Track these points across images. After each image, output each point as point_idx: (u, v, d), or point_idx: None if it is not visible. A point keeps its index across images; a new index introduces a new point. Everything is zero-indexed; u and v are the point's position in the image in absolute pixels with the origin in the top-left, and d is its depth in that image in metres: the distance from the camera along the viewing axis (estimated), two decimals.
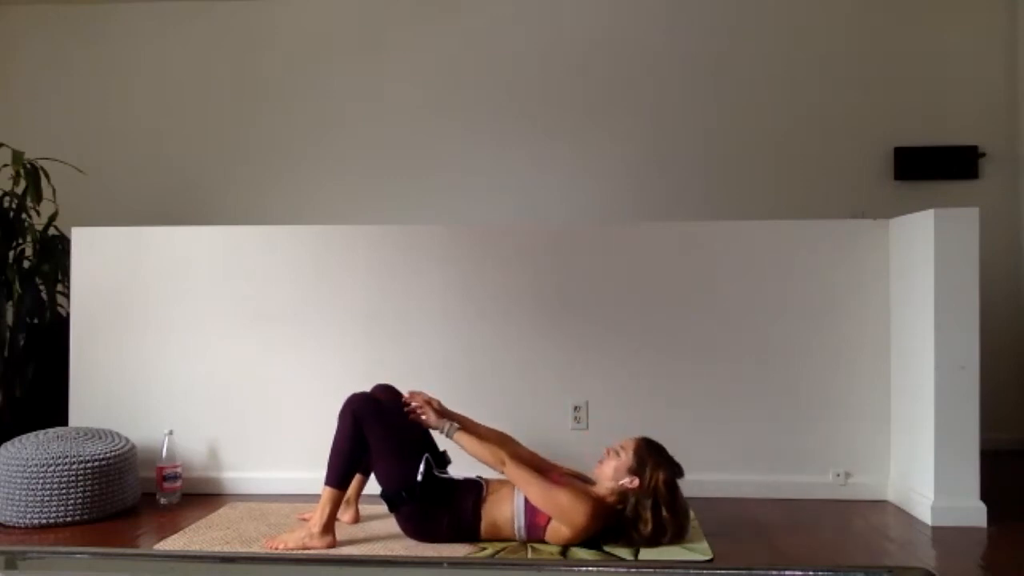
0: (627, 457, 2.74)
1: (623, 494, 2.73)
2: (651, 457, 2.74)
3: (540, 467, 2.87)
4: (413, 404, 2.92)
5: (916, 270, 3.23)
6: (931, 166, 4.66)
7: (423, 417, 2.88)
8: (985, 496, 3.07)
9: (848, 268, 3.52)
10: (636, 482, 2.70)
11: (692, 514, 3.11)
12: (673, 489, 2.73)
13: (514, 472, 2.74)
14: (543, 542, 2.74)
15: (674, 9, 4.86)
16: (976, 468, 3.07)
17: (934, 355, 3.08)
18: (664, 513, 2.69)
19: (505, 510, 2.76)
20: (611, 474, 2.75)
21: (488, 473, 2.87)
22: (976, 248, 3.10)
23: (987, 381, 3.13)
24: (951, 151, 4.65)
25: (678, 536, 2.74)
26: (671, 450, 2.80)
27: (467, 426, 2.92)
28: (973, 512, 3.06)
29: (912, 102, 4.72)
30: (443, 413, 2.92)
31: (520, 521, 2.74)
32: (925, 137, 4.70)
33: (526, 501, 2.74)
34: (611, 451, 2.80)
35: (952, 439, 3.07)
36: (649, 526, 2.68)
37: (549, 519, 2.71)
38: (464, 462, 2.90)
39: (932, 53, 4.73)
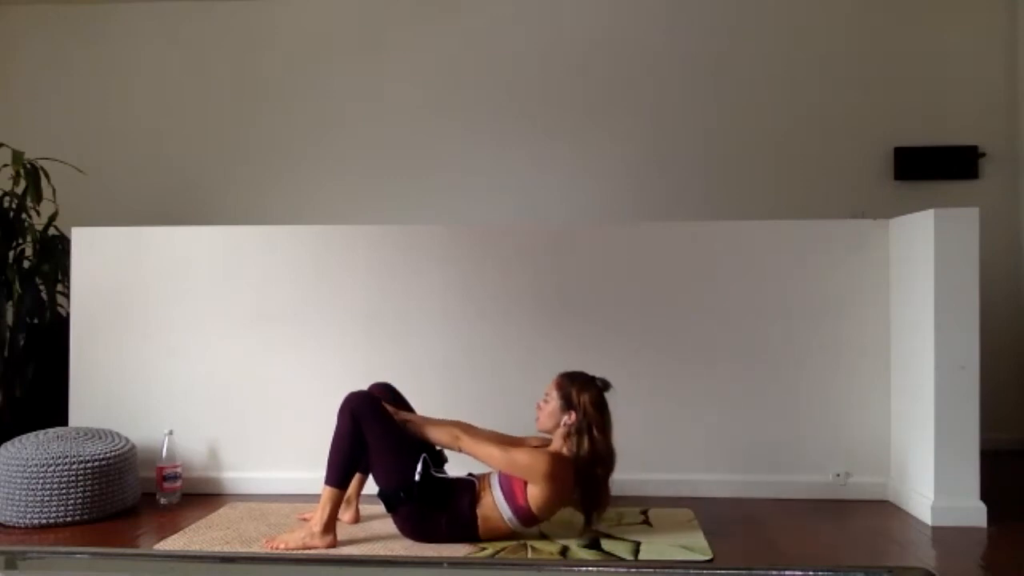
0: (553, 398, 2.82)
1: (568, 434, 2.77)
2: (574, 385, 2.81)
3: (502, 442, 2.90)
4: None
5: (916, 270, 3.23)
6: (931, 166, 4.66)
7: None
8: (985, 496, 3.07)
9: (848, 268, 3.52)
10: (572, 415, 2.77)
11: (691, 513, 3.13)
12: (601, 407, 2.79)
13: (470, 445, 2.79)
14: (534, 520, 2.75)
15: (674, 9, 4.86)
16: (976, 468, 3.07)
17: (934, 355, 3.08)
18: (595, 433, 2.74)
19: (490, 500, 2.78)
20: (549, 421, 2.82)
21: (478, 470, 2.88)
22: (976, 248, 3.10)
23: (987, 381, 3.13)
24: (951, 151, 4.65)
25: (611, 458, 2.77)
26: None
27: (418, 420, 2.92)
28: (973, 512, 3.06)
29: (912, 102, 4.72)
30: (396, 411, 2.92)
31: (505, 507, 2.75)
32: (925, 137, 4.70)
33: (500, 484, 2.76)
34: (540, 403, 2.87)
35: (952, 439, 3.07)
36: (585, 446, 2.73)
37: (526, 491, 2.72)
38: (465, 462, 2.90)
39: (932, 53, 4.73)
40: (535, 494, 2.72)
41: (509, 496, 2.75)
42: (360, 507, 3.10)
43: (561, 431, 2.80)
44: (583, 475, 2.74)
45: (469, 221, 4.72)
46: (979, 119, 4.68)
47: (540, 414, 2.86)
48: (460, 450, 2.82)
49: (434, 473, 2.81)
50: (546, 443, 2.91)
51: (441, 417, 2.98)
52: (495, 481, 2.80)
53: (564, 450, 2.78)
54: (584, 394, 2.79)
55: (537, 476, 2.70)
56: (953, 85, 4.71)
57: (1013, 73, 4.69)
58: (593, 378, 2.85)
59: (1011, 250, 4.62)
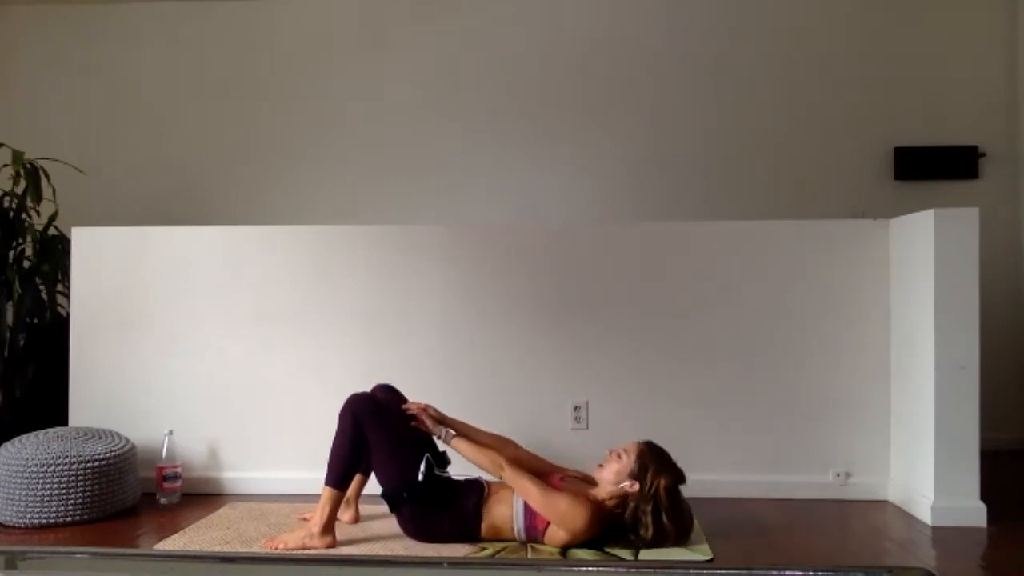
0: (629, 461, 2.74)
1: (623, 498, 2.72)
2: (653, 462, 2.73)
3: (541, 470, 2.87)
4: (410, 413, 2.92)
5: (916, 270, 3.23)
6: (931, 166, 4.66)
7: (422, 425, 2.89)
8: (985, 496, 3.07)
9: (848, 268, 3.52)
10: (636, 486, 2.70)
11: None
12: (674, 495, 2.72)
13: (512, 478, 2.74)
14: (542, 543, 2.75)
15: (674, 9, 4.86)
16: (976, 468, 3.07)
17: (934, 355, 3.08)
18: (664, 519, 2.68)
19: (505, 511, 2.76)
20: (612, 477, 2.74)
21: (489, 476, 2.87)
22: (976, 248, 3.10)
23: (987, 381, 3.13)
24: (951, 151, 4.65)
25: (679, 541, 2.74)
26: (671, 450, 2.80)
27: (466, 432, 2.91)
28: (973, 512, 3.06)
29: (912, 102, 4.72)
30: (441, 420, 2.92)
31: (520, 523, 2.74)
32: (925, 137, 4.70)
33: (525, 504, 2.74)
34: (614, 453, 2.79)
35: (952, 439, 3.07)
36: (650, 531, 2.68)
37: (548, 523, 2.71)
38: (463, 462, 2.90)
39: (932, 53, 4.73)
40: (556, 534, 2.70)
41: (529, 514, 2.73)
42: (360, 507, 3.10)
43: (615, 490, 2.73)
44: (636, 545, 2.70)
45: (469, 221, 4.72)
46: (979, 119, 4.68)
47: (607, 466, 2.77)
48: (501, 479, 2.78)
49: (437, 473, 2.81)
50: (586, 476, 2.89)
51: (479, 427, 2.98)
52: (518, 501, 2.75)
53: (608, 501, 2.73)
54: (661, 477, 2.69)
55: (570, 527, 2.66)
56: (953, 85, 4.71)
57: (1013, 73, 4.69)
58: (675, 465, 2.76)
59: (1011, 250, 4.62)
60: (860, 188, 4.68)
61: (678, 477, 2.74)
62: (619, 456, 2.77)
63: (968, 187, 4.62)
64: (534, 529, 2.73)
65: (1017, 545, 2.91)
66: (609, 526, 2.72)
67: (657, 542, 2.69)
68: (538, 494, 2.70)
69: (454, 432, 2.87)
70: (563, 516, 2.66)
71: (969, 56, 4.71)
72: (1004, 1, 4.72)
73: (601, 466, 2.80)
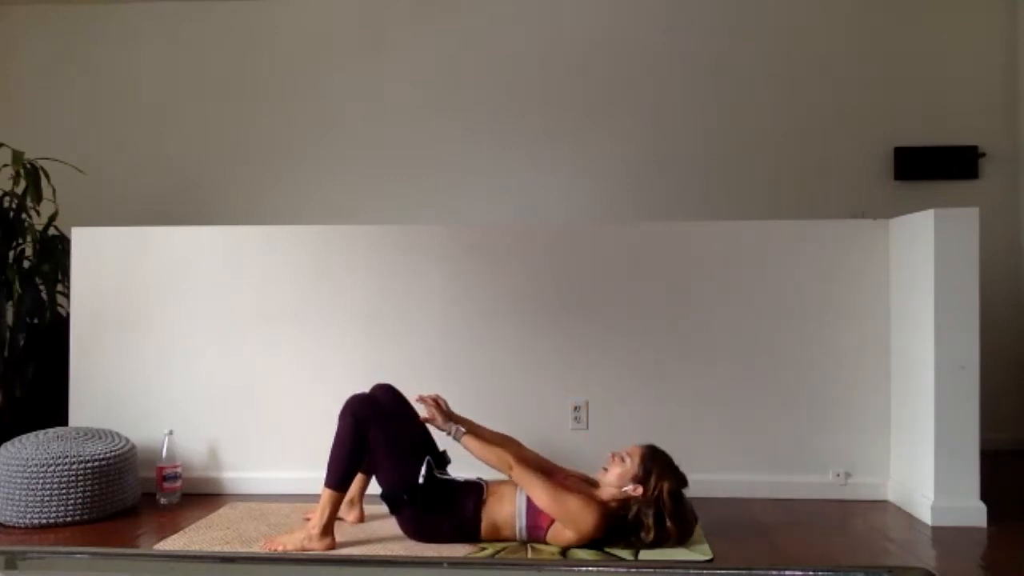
0: (632, 464, 2.74)
1: (626, 501, 2.72)
2: (656, 466, 2.73)
3: (545, 469, 2.87)
4: (424, 406, 2.92)
5: (916, 270, 3.23)
6: (931, 166, 4.66)
7: (433, 420, 2.89)
8: (985, 496, 3.07)
9: (848, 268, 3.52)
10: (640, 490, 2.70)
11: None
12: (678, 499, 2.72)
13: (522, 476, 2.73)
14: (543, 543, 2.74)
15: (674, 9, 4.86)
16: (976, 468, 3.07)
17: (934, 355, 3.08)
18: (667, 523, 2.68)
19: (506, 510, 2.76)
20: (615, 480, 2.74)
21: (488, 474, 2.87)
22: (976, 248, 3.09)
23: (987, 381, 3.13)
24: (951, 151, 4.65)
25: (681, 542, 2.74)
26: (672, 450, 2.80)
27: (473, 430, 2.91)
28: (973, 512, 3.06)
29: (912, 102, 4.72)
30: (450, 416, 2.92)
31: (521, 522, 2.74)
32: (925, 137, 4.70)
33: (528, 502, 2.74)
34: (617, 457, 2.79)
35: (952, 439, 3.07)
36: (652, 534, 2.68)
37: (551, 521, 2.70)
38: (463, 463, 2.90)
39: (932, 53, 4.73)
40: (561, 534, 2.70)
41: (531, 513, 2.73)
42: (364, 507, 3.10)
43: (618, 493, 2.73)
44: (638, 546, 2.70)
45: (469, 221, 4.72)
46: (979, 119, 4.68)
47: (610, 469, 2.77)
48: (510, 477, 2.77)
49: (437, 475, 2.81)
50: (587, 478, 2.89)
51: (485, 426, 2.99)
52: (521, 499, 2.76)
53: (612, 502, 2.73)
54: (664, 481, 2.70)
55: (579, 528, 2.66)
56: (953, 85, 4.71)
57: (1013, 73, 4.69)
58: (678, 468, 2.76)
59: (1011, 250, 4.62)
60: (860, 188, 4.68)
61: (681, 481, 2.74)
62: (622, 460, 2.76)
63: (968, 187, 4.62)
64: (537, 528, 2.73)
65: (1017, 545, 2.91)
66: (613, 527, 2.72)
67: (659, 544, 2.69)
68: (548, 493, 2.69)
69: (464, 429, 2.87)
70: (573, 516, 2.66)
71: (969, 56, 4.71)
72: (1004, 1, 4.72)
73: (605, 469, 2.80)
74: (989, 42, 4.72)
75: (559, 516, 2.68)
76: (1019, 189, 4.66)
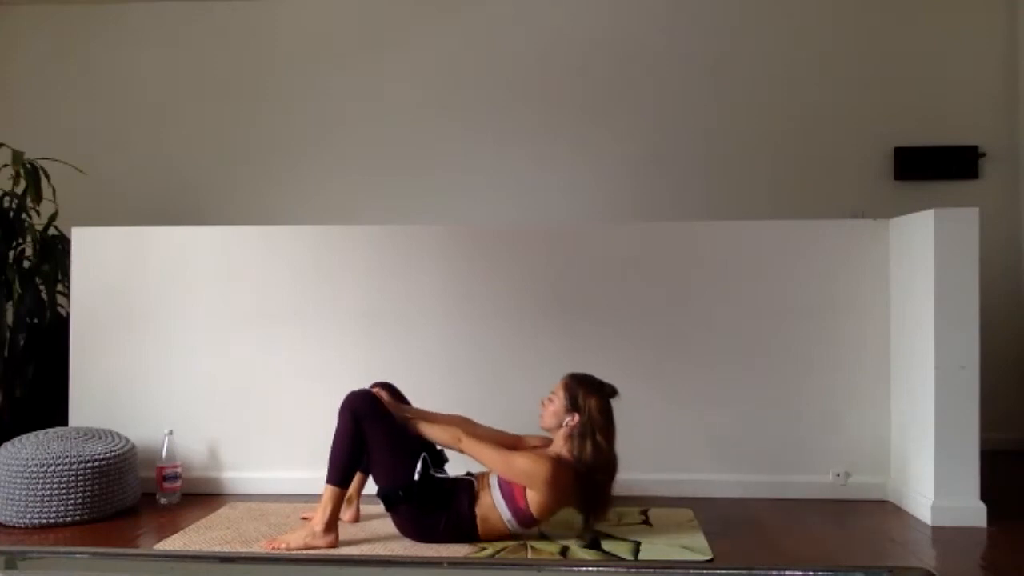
0: (560, 398, 2.81)
1: (571, 438, 2.75)
2: (581, 388, 2.80)
3: (502, 442, 2.90)
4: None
5: (916, 270, 3.23)
6: (931, 166, 4.66)
7: None
8: (985, 496, 3.07)
9: (848, 268, 3.52)
10: (576, 417, 2.76)
11: (691, 513, 3.13)
12: (607, 414, 2.77)
13: (471, 447, 2.79)
14: (533, 523, 2.75)
15: (674, 9, 4.86)
16: (976, 468, 3.07)
17: (934, 355, 3.08)
18: (599, 437, 2.73)
19: (489, 499, 2.78)
20: (554, 421, 2.81)
21: (476, 469, 2.88)
22: (976, 248, 3.10)
23: (987, 381, 3.13)
24: (951, 151, 4.65)
25: (613, 464, 2.75)
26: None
27: (421, 414, 2.93)
28: (973, 512, 3.06)
29: (912, 102, 4.72)
30: (396, 406, 2.92)
31: (504, 508, 2.75)
32: (925, 137, 4.70)
33: (500, 486, 2.76)
34: (544, 400, 2.86)
35: (952, 439, 3.07)
36: (588, 450, 2.71)
37: (525, 494, 2.73)
38: (463, 462, 2.90)
39: (932, 53, 4.73)
40: (534, 498, 2.72)
41: (508, 498, 2.75)
42: (360, 506, 3.10)
43: (563, 432, 2.79)
44: (584, 479, 2.74)
45: (469, 221, 4.72)
46: (979, 119, 4.68)
47: (544, 412, 2.85)
48: (461, 451, 2.81)
49: (433, 473, 2.81)
50: (547, 442, 2.91)
51: (439, 411, 2.99)
52: (494, 482, 2.79)
53: (565, 451, 2.77)
54: (591, 399, 2.77)
55: (537, 482, 2.70)
56: (953, 85, 4.71)
57: (1013, 73, 4.69)
58: (601, 383, 2.83)
59: (1011, 250, 4.62)
60: (860, 188, 4.68)
61: (606, 391, 2.80)
62: (550, 400, 2.84)
63: (968, 187, 4.62)
64: (517, 509, 2.74)
65: (1017, 545, 2.91)
66: (579, 484, 2.72)
67: (595, 464, 2.71)
68: (498, 457, 2.75)
69: (408, 415, 2.89)
70: (526, 473, 2.71)
71: (969, 56, 4.71)
72: (1004, 1, 4.72)
73: (541, 416, 2.85)
74: (989, 42, 4.72)
75: (515, 477, 2.73)
76: (1019, 189, 4.66)
